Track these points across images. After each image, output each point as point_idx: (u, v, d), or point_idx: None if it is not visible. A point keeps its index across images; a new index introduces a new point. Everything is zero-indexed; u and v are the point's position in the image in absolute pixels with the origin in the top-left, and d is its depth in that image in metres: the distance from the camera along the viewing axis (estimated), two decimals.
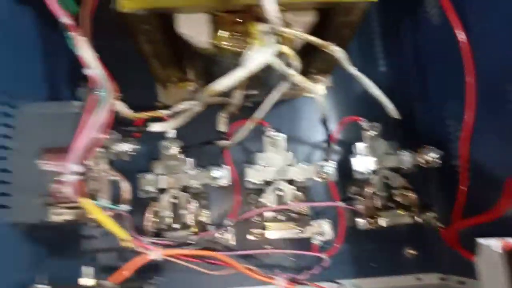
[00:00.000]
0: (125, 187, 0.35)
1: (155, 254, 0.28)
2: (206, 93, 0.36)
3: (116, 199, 0.36)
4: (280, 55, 0.37)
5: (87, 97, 0.32)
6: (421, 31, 0.52)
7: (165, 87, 0.52)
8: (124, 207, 0.33)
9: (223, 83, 0.34)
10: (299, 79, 0.37)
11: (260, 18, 0.35)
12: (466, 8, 0.41)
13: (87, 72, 0.33)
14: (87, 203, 0.28)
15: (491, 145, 0.40)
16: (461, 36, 0.40)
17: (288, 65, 0.37)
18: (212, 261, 0.35)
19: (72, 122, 0.31)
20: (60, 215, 0.31)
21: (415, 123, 0.52)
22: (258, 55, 0.34)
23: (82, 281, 0.28)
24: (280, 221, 0.44)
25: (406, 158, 0.45)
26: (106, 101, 0.31)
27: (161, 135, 0.45)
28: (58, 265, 0.41)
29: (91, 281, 0.28)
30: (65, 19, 0.34)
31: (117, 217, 0.34)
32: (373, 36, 0.56)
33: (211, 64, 0.42)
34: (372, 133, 0.47)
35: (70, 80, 0.43)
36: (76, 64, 0.34)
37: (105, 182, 0.32)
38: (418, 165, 0.46)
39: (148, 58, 0.44)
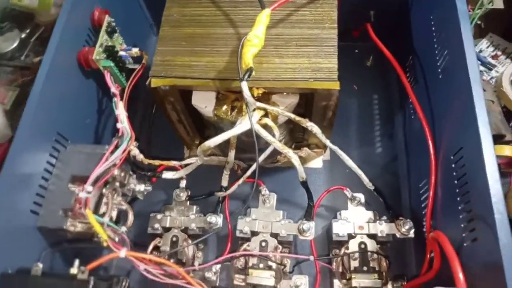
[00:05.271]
0: (130, 216, 0.45)
1: (122, 253, 0.37)
2: (202, 148, 0.46)
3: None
4: (265, 126, 0.46)
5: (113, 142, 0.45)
6: (408, 125, 0.60)
7: (190, 149, 0.64)
8: (123, 229, 0.42)
9: (213, 141, 0.45)
10: (278, 145, 0.46)
11: None
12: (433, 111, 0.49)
13: (119, 125, 0.45)
14: (90, 214, 0.38)
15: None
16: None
17: (273, 135, 0.47)
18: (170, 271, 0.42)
19: (99, 159, 0.43)
20: (75, 227, 0.41)
21: (400, 198, 0.57)
22: (242, 124, 0.44)
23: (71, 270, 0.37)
24: (261, 269, 0.50)
25: (383, 227, 0.50)
26: (124, 145, 0.43)
27: (176, 185, 0.55)
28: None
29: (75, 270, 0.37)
30: (113, 89, 0.48)
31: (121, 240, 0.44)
32: (373, 123, 0.65)
33: (217, 130, 0.53)
34: (355, 202, 0.53)
35: (111, 132, 0.58)
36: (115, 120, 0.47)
37: (112, 208, 0.43)
38: (395, 235, 0.50)
39: (174, 124, 0.56)
